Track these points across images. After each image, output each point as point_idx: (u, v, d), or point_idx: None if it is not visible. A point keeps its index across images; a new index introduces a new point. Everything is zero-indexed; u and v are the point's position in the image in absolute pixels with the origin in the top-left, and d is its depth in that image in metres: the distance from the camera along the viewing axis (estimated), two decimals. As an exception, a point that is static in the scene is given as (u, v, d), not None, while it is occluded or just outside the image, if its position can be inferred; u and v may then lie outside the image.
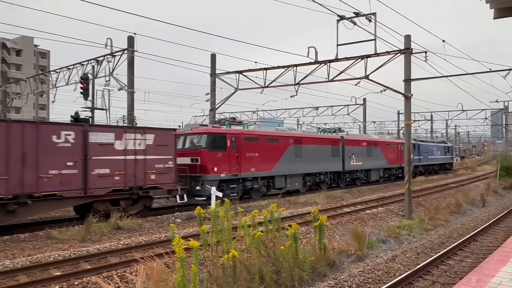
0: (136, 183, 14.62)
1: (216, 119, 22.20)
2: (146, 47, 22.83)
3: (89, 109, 20.75)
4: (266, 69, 18.61)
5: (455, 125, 60.24)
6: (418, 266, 8.81)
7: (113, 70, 19.60)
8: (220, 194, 11.90)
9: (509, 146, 55.31)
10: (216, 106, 21.05)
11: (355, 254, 9.99)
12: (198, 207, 7.29)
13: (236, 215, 7.65)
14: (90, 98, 20.67)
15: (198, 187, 17.00)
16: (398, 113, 44.16)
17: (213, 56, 20.75)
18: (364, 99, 37.44)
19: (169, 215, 15.00)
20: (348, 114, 38.29)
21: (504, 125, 41.89)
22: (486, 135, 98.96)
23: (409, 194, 16.32)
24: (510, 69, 16.28)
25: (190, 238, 7.85)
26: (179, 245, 5.14)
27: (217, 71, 20.51)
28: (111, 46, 19.24)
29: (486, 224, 14.06)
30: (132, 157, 14.59)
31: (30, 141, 12.12)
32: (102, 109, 24.48)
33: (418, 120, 47.03)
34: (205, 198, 16.36)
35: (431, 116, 47.57)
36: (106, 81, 20.07)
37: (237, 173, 18.62)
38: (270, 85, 18.82)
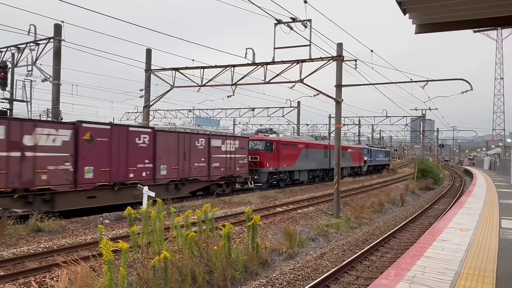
0: (230, 173, 21.67)
1: (257, 129, 29.19)
2: (75, 37, 21.37)
3: (7, 101, 18.95)
4: (203, 67, 18.42)
5: (380, 130, 64.97)
6: (344, 263, 9.29)
7: (36, 59, 18.09)
8: (152, 194, 11.52)
9: (425, 151, 61.03)
10: (151, 103, 20.38)
11: (286, 252, 10.27)
12: (128, 207, 7.00)
13: (169, 215, 7.47)
14: (8, 88, 18.91)
15: (256, 176, 24.62)
16: (330, 117, 46.25)
17: (148, 51, 20.05)
18: (299, 102, 38.65)
19: (96, 216, 14.19)
20: (283, 116, 39.29)
21: (421, 131, 45.91)
22: (406, 140, 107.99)
23: (338, 194, 17.06)
24: (427, 80, 17.83)
25: (119, 240, 7.51)
26: (107, 247, 4.88)
27: (153, 67, 19.86)
28: (35, 34, 17.74)
29: (404, 222, 15.24)
30: (229, 155, 21.58)
31: (188, 145, 19.01)
32: (22, 101, 22.57)
33: (348, 124, 49.74)
34: (261, 184, 24.83)
35: (359, 120, 50.62)
36: (28, 71, 18.48)
37: (277, 168, 25.95)
38: (207, 84, 18.67)
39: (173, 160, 18.14)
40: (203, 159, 19.81)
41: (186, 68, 18.79)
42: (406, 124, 45.38)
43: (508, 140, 71.61)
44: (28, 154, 12.44)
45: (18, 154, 12.21)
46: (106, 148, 15.05)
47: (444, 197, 25.25)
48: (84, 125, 14.24)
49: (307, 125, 56.05)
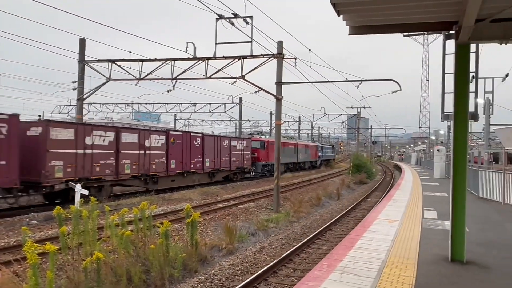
0: (241, 165, 29.30)
1: (249, 131, 35.48)
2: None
3: None
4: (142, 60, 17.78)
5: (319, 127, 67.26)
6: (282, 256, 9.52)
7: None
8: (85, 192, 10.93)
9: (360, 147, 64.42)
10: (85, 96, 19.27)
11: (226, 248, 10.30)
12: (57, 206, 6.58)
13: (103, 214, 7.15)
14: None
15: (254, 168, 32.04)
16: (271, 114, 46.93)
17: (82, 41, 18.89)
18: (240, 99, 38.74)
19: (22, 217, 13.20)
20: (225, 112, 39.22)
21: (356, 129, 48.48)
22: (343, 137, 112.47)
23: (277, 189, 17.37)
24: (361, 80, 18.78)
25: (47, 242, 7.03)
26: (32, 250, 4.55)
27: (87, 58, 18.78)
28: None
29: (339, 215, 15.94)
30: (241, 152, 29.27)
31: (219, 145, 26.35)
32: None
33: (288, 121, 50.86)
34: (258, 174, 31.77)
35: (299, 117, 51.96)
36: None
37: (267, 161, 33.20)
38: (146, 77, 18.07)
39: (212, 156, 25.42)
40: (227, 155, 27.34)
41: (123, 60, 18.03)
42: (343, 122, 47.46)
43: (432, 137, 77.62)
44: (147, 152, 19.69)
45: (142, 152, 19.35)
46: (180, 148, 22.30)
47: (376, 191, 26.34)
48: (171, 132, 22.23)
49: (249, 121, 56.38)
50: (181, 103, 40.94)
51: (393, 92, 20.30)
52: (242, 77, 16.25)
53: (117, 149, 17.86)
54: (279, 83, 16.67)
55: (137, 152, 18.98)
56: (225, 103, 39.01)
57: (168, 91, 18.73)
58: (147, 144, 19.69)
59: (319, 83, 18.85)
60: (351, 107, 39.93)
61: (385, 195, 19.18)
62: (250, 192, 22.20)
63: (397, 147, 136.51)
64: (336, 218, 15.26)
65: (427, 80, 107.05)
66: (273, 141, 33.09)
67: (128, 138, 18.61)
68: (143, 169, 19.32)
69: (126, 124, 52.27)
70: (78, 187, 10.89)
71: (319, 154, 51.84)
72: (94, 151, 16.55)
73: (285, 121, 48.59)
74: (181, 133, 22.98)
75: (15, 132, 13.47)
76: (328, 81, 18.56)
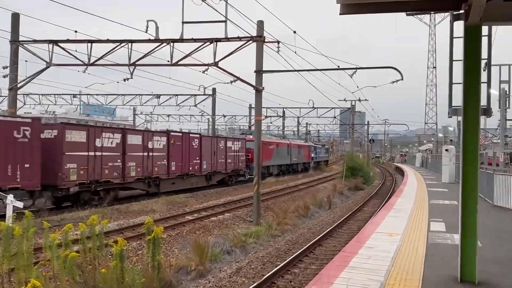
0: (236, 167, 32.74)
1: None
2: None
3: None
4: (91, 41, 17.47)
5: (306, 123, 67.46)
6: (263, 278, 9.50)
7: None
8: (20, 205, 10.62)
9: (355, 146, 65.30)
10: (19, 85, 18.75)
11: (195, 270, 10.21)
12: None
13: (44, 231, 6.95)
14: None
15: (248, 170, 34.25)
16: (250, 107, 46.95)
17: (15, 17, 18.33)
18: (214, 89, 38.61)
19: None
20: (196, 106, 39.03)
21: (351, 125, 48.80)
22: (335, 135, 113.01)
23: (258, 197, 17.42)
24: (356, 68, 18.97)
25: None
26: None
27: (21, 38, 18.27)
28: None
29: (331, 228, 16.10)
30: (236, 153, 32.68)
31: (215, 146, 29.79)
32: None
33: (270, 116, 50.90)
34: (252, 176, 28.40)
35: (283, 112, 51.93)
36: None
37: (262, 163, 32.87)
38: (96, 62, 17.74)
39: (209, 157, 28.43)
40: (223, 157, 30.46)
41: (68, 41, 17.68)
42: (335, 117, 47.89)
43: (440, 135, 79.26)
44: (150, 154, 22.72)
45: (146, 154, 22.34)
46: (180, 149, 25.23)
47: (374, 198, 26.90)
48: (172, 133, 25.30)
49: (224, 116, 56.26)
50: (142, 95, 40.55)
51: (393, 82, 20.62)
52: (215, 64, 16.17)
53: (124, 151, 20.76)
54: (259, 72, 16.65)
55: (141, 154, 22.10)
56: (195, 95, 38.91)
57: (124, 80, 18.51)
58: (150, 145, 22.78)
59: (307, 72, 18.96)
60: (344, 100, 40.47)
61: (384, 204, 19.51)
62: (225, 201, 22.17)
63: (398, 146, 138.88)
64: (327, 231, 15.40)
65: (434, 68, 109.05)
66: (268, 141, 38.27)
67: (133, 139, 21.67)
68: (147, 171, 22.46)
69: (73, 119, 51.47)
70: (9, 198, 10.57)
71: (312, 155, 55.32)
72: (104, 153, 19.40)
73: (266, 117, 48.65)
74: (180, 134, 26.66)
75: (38, 135, 16.27)
76: (317, 69, 18.70)
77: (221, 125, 58.25)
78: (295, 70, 18.89)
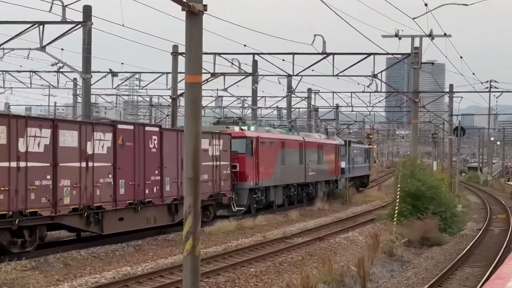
0: (216, 190, 28.51)
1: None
2: None
3: None
4: None
5: (309, 91, 56.85)
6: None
7: None
8: None
9: (421, 145, 54.02)
10: None
11: None
12: None
13: None
14: None
15: (236, 194, 30.70)
16: (175, 53, 38.26)
17: None
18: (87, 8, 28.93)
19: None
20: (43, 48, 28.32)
21: (409, 95, 38.40)
22: (374, 117, 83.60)
23: (194, 271, 10.87)
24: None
25: None
26: None
27: None
28: None
29: None
30: (216, 163, 28.36)
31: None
32: None
33: (230, 75, 39.70)
34: (242, 208, 31.33)
35: (254, 63, 38.82)
36: None
37: (257, 181, 32.39)
38: None
39: (173, 171, 24.57)
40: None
41: None
42: (374, 75, 34.22)
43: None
44: (90, 164, 20.19)
45: (84, 164, 19.99)
46: (131, 156, 22.38)
47: (464, 265, 21.95)
48: (119, 126, 22.61)
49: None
50: None
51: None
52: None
53: (54, 159, 18.44)
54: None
55: (78, 164, 19.30)
56: (39, 23, 26.89)
57: None
58: (89, 149, 19.85)
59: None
60: (396, 35, 27.85)
61: (488, 279, 13.95)
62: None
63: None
64: None
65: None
66: (268, 137, 33.80)
67: (68, 138, 18.98)
68: (85, 196, 19.59)
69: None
70: None
71: (343, 165, 45.86)
72: (29, 163, 17.31)
73: (216, 75, 35.95)
74: (131, 126, 23.21)
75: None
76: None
77: (97, 90, 54.76)
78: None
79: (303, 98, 58.54)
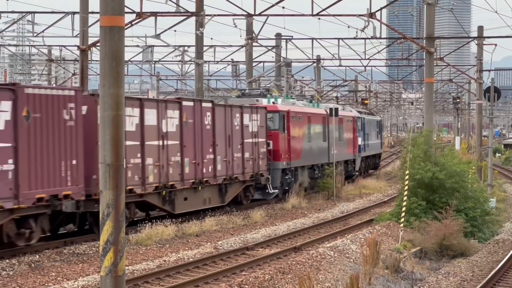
0: (256, 170, 37.82)
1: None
2: None
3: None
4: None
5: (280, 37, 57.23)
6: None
7: None
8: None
9: (436, 112, 55.27)
10: None
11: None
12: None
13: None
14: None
15: (269, 176, 40.64)
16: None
17: None
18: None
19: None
20: None
21: (421, 46, 38.99)
22: (371, 73, 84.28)
23: None
24: None
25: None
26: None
27: None
28: None
29: None
30: (255, 140, 37.31)
31: (231, 127, 35.54)
32: None
33: None
34: (277, 189, 40.69)
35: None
36: None
37: (289, 160, 41.66)
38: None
39: (223, 148, 33.71)
40: (239, 147, 35.55)
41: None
42: (371, 15, 35.44)
43: None
44: (165, 142, 28.96)
45: (161, 143, 28.66)
46: (192, 133, 31.14)
47: (500, 284, 22.03)
48: (184, 103, 31.27)
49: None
50: None
51: None
52: None
53: (142, 137, 26.72)
54: None
55: (157, 143, 27.60)
56: None
57: None
58: (164, 127, 27.97)
59: None
60: None
61: None
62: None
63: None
64: None
65: None
66: (297, 111, 42.52)
67: (150, 117, 27.16)
68: (163, 174, 27.82)
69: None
70: None
71: (359, 141, 55.81)
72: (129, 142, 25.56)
73: (143, 15, 38.76)
74: (192, 102, 31.61)
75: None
76: None
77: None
78: None
79: (269, 48, 58.47)
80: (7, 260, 22.05)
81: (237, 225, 32.81)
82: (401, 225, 27.71)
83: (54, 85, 59.25)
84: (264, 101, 39.03)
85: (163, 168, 26.90)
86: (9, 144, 21.53)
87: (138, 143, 26.06)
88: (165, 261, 23.37)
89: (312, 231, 32.18)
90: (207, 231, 30.14)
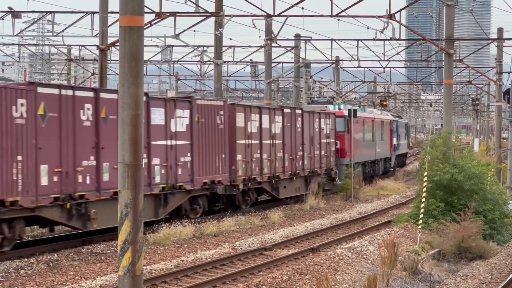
0: (328, 165, 48.24)
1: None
2: None
3: None
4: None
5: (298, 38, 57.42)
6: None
7: None
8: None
9: (455, 113, 55.13)
10: None
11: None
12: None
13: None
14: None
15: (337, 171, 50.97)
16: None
17: None
18: None
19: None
20: None
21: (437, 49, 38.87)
22: (390, 75, 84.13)
23: None
24: None
25: None
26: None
27: None
28: None
29: None
30: (327, 140, 47.65)
31: (313, 128, 46.92)
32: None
33: None
34: (342, 182, 50.95)
35: None
36: None
37: (350, 157, 50.31)
38: None
39: (308, 146, 43.22)
40: (318, 146, 45.14)
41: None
42: (391, 16, 35.83)
43: None
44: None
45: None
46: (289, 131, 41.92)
47: None
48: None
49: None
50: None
51: None
52: None
53: (260, 137, 36.65)
54: None
55: (269, 142, 37.54)
56: None
57: None
58: (272, 129, 37.16)
59: None
60: None
61: None
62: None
63: None
64: None
65: None
66: (363, 115, 52.99)
67: (265, 121, 37.05)
68: (271, 167, 37.45)
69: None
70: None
71: (394, 141, 65.27)
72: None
73: (163, 15, 40.10)
74: (289, 110, 41.99)
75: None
76: None
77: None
78: None
79: (288, 49, 58.27)
80: (26, 259, 22.15)
81: (255, 225, 33.16)
82: (419, 226, 27.78)
83: (73, 84, 59.08)
84: (330, 107, 48.76)
85: (272, 162, 35.84)
86: (188, 142, 29.62)
87: (257, 141, 34.92)
88: (183, 261, 23.29)
89: (330, 232, 32.33)
90: (225, 232, 30.44)
